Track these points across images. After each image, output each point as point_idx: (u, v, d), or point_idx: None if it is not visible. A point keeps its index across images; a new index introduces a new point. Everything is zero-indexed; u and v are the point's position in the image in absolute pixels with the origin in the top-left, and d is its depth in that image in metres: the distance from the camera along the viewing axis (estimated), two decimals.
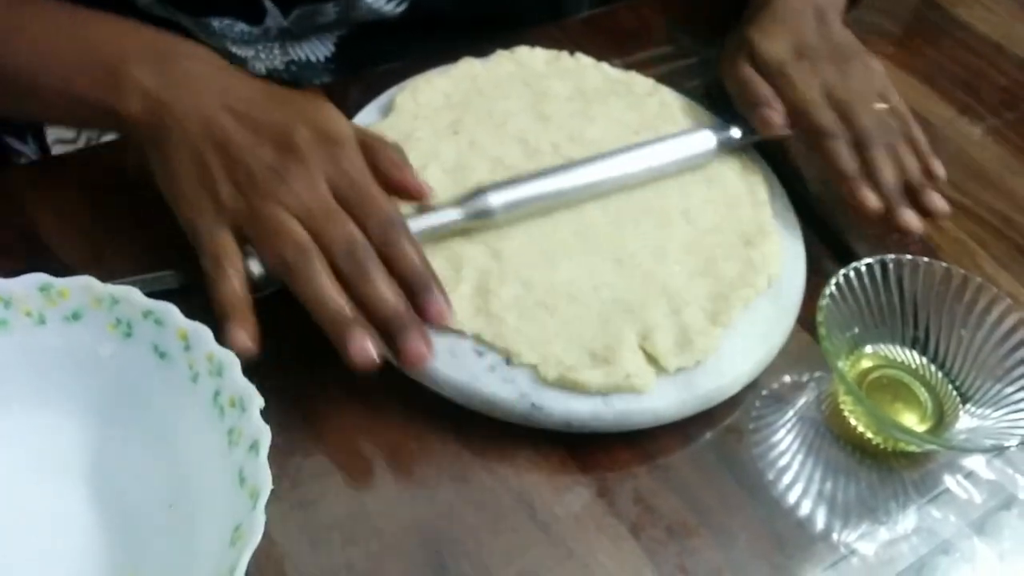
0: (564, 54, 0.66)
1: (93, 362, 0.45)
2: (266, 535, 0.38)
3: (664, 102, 0.64)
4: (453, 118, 0.59)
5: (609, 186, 0.57)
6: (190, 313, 0.44)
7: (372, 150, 0.51)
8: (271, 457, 0.40)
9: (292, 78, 0.71)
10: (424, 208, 0.52)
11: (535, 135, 0.59)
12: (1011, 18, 0.84)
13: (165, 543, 0.42)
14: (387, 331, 0.46)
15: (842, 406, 0.52)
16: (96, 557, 0.42)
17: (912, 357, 0.55)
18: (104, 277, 0.45)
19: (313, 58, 0.71)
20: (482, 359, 0.49)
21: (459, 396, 0.48)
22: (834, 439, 0.52)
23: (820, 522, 0.48)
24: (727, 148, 0.61)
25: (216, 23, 0.65)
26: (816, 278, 0.55)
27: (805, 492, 0.49)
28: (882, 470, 0.51)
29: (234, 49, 0.68)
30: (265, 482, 0.39)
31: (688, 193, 0.58)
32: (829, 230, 0.61)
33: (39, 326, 0.44)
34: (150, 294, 0.44)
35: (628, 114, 0.62)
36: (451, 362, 0.48)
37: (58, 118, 0.59)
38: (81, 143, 0.73)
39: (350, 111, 0.59)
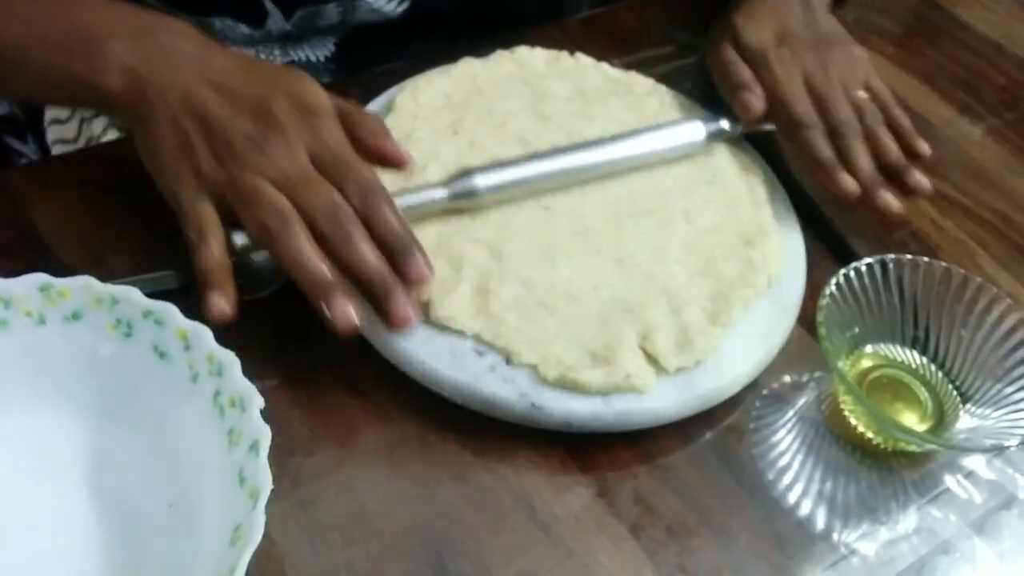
0: (564, 54, 0.66)
1: (93, 362, 0.45)
2: (266, 535, 0.38)
3: (664, 102, 0.64)
4: (453, 118, 0.59)
5: (595, 172, 0.58)
6: (190, 313, 0.44)
7: (351, 120, 0.52)
8: (271, 457, 0.40)
9: None
10: (410, 188, 0.53)
11: (535, 135, 0.59)
12: (1011, 18, 0.84)
13: (165, 543, 0.42)
14: (371, 295, 0.47)
15: (842, 406, 0.52)
16: (96, 557, 0.42)
17: (912, 357, 0.55)
18: (104, 277, 0.45)
19: (313, 58, 0.71)
20: (482, 359, 0.49)
21: (459, 396, 0.48)
22: (834, 439, 0.52)
23: (820, 522, 0.48)
24: (717, 138, 0.61)
25: (218, 23, 0.65)
26: (816, 278, 0.55)
27: (805, 492, 0.49)
28: (882, 470, 0.51)
29: (235, 49, 0.68)
30: (265, 482, 0.39)
31: (688, 193, 0.58)
32: (829, 230, 0.61)
33: (39, 326, 0.44)
34: (150, 294, 0.44)
35: (628, 114, 0.62)
36: (451, 362, 0.48)
37: (45, 96, 0.60)
38: (81, 143, 0.73)
39: None
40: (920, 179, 0.60)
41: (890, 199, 0.58)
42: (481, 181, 0.54)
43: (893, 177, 0.60)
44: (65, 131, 0.74)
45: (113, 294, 0.44)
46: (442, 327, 0.49)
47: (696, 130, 0.60)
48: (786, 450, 0.51)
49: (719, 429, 0.51)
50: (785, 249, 0.57)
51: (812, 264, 0.57)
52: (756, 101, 0.61)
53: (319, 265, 0.46)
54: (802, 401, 0.53)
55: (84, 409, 0.45)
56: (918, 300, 0.54)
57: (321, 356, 0.50)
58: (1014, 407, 0.50)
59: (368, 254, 0.47)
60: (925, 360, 0.55)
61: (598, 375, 0.48)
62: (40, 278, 0.44)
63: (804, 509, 0.49)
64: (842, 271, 0.52)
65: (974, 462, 0.52)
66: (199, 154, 0.48)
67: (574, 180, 0.57)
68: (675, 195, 0.58)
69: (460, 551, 0.45)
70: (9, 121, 0.78)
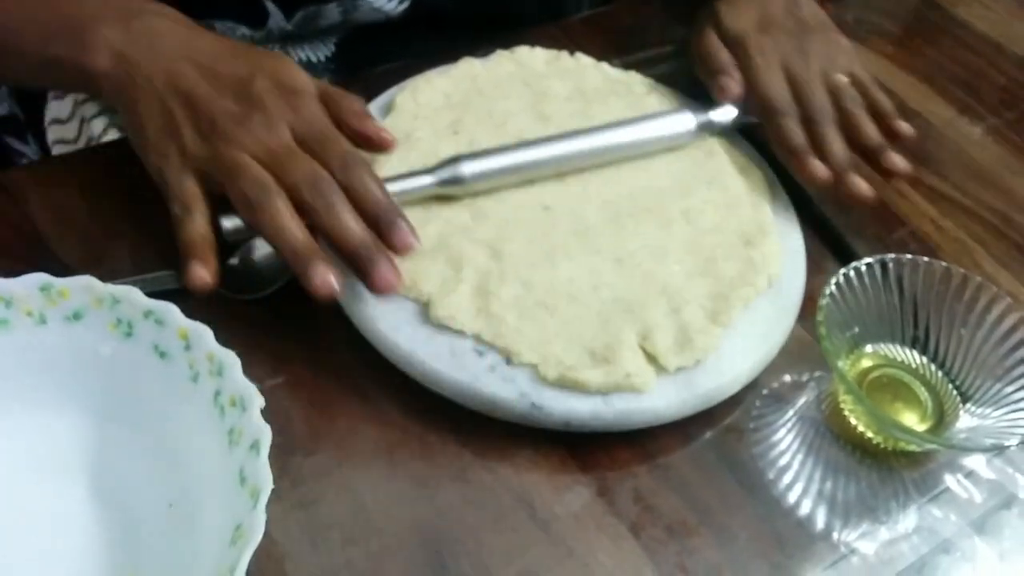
0: (564, 54, 0.66)
1: (94, 362, 0.45)
2: (266, 534, 0.38)
3: (664, 102, 0.64)
4: (453, 118, 0.59)
5: (584, 160, 0.58)
6: (190, 313, 0.44)
7: (333, 101, 0.53)
8: (272, 457, 0.40)
9: None
10: (397, 176, 0.53)
11: (535, 135, 0.59)
12: (1010, 17, 0.84)
13: (165, 543, 0.42)
14: (355, 262, 0.48)
15: (842, 405, 0.52)
16: (96, 557, 0.42)
17: (912, 356, 0.55)
18: (104, 277, 0.45)
19: (314, 58, 0.71)
20: (482, 359, 0.49)
21: (459, 396, 0.48)
22: (834, 439, 0.52)
23: (820, 521, 0.48)
24: (708, 130, 0.61)
25: (218, 25, 0.65)
26: (816, 278, 0.55)
27: (805, 491, 0.49)
28: (882, 469, 0.51)
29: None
30: (266, 481, 0.39)
31: (688, 193, 0.58)
32: (829, 230, 0.61)
33: (40, 326, 0.44)
34: (151, 294, 0.44)
35: (628, 114, 0.62)
36: (451, 362, 0.48)
37: (33, 79, 0.61)
38: (81, 143, 0.73)
39: None
40: (897, 160, 0.60)
41: (861, 184, 0.58)
42: (468, 168, 0.54)
43: (872, 160, 0.60)
44: (65, 131, 0.74)
45: (114, 294, 0.44)
46: (442, 327, 0.49)
47: (686, 120, 0.61)
48: (786, 450, 0.51)
49: (719, 428, 0.51)
50: (785, 249, 0.57)
51: (812, 264, 0.57)
52: (733, 85, 0.61)
53: (300, 233, 0.47)
54: (802, 401, 0.53)
55: (84, 409, 0.45)
56: (918, 300, 0.54)
57: (321, 356, 0.50)
58: (1014, 406, 0.50)
59: (351, 222, 0.48)
60: (925, 360, 0.55)
61: (598, 374, 0.48)
62: (41, 278, 0.44)
63: (804, 508, 0.49)
64: (842, 271, 0.52)
65: (974, 461, 0.52)
66: (184, 132, 0.49)
67: (564, 168, 0.57)
68: (675, 195, 0.58)
69: (460, 551, 0.45)
70: (9, 121, 0.78)
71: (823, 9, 0.67)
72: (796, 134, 0.59)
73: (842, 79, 0.62)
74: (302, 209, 0.48)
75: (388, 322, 0.49)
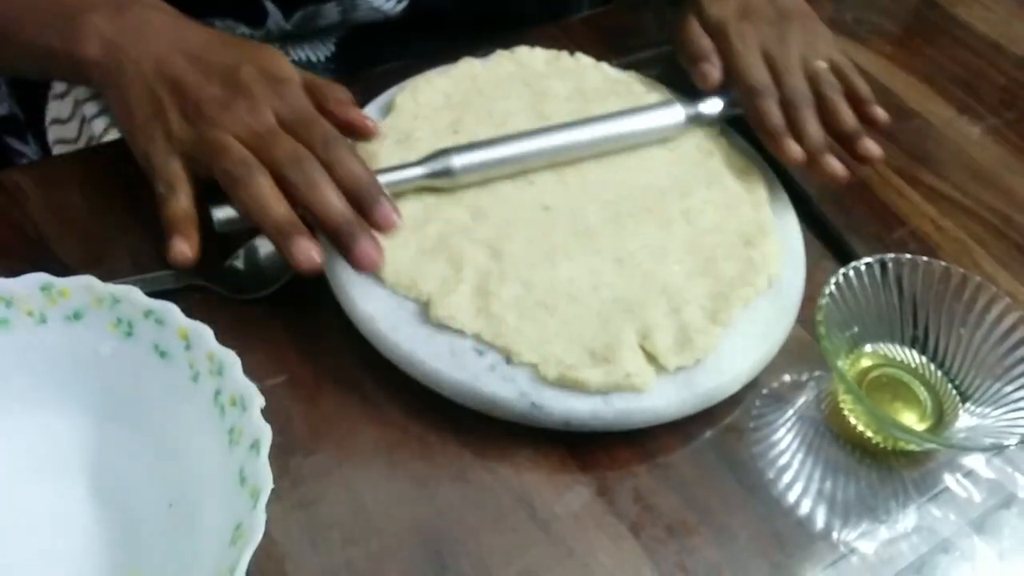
0: (564, 54, 0.66)
1: (94, 361, 0.45)
2: (266, 534, 0.38)
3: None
4: (453, 118, 0.59)
5: (574, 152, 0.58)
6: (190, 313, 0.44)
7: (318, 90, 0.54)
8: (272, 456, 0.40)
9: None
10: (388, 168, 0.54)
11: None
12: (1010, 16, 0.84)
13: (165, 543, 0.42)
14: (336, 237, 0.49)
15: (842, 405, 0.53)
16: (96, 557, 0.42)
17: (912, 356, 0.55)
18: (104, 277, 0.45)
19: (313, 58, 0.71)
20: (482, 359, 0.49)
21: (459, 396, 0.48)
22: (834, 438, 0.52)
23: (820, 521, 0.48)
24: (697, 121, 0.62)
25: (218, 24, 0.66)
26: (816, 278, 0.55)
27: (805, 491, 0.49)
28: (882, 469, 0.51)
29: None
30: (266, 481, 0.39)
31: (688, 193, 0.58)
32: (829, 230, 0.61)
33: (40, 325, 0.44)
34: (151, 294, 0.44)
35: None
36: (451, 362, 0.48)
37: (24, 67, 0.62)
38: (81, 143, 0.73)
39: None
40: (871, 146, 0.61)
41: (835, 165, 0.59)
42: (458, 160, 0.54)
43: (847, 145, 0.61)
44: (65, 131, 0.74)
45: (114, 293, 0.44)
46: (442, 327, 0.49)
47: (675, 112, 0.61)
48: (786, 449, 0.51)
49: (719, 428, 0.51)
50: (785, 249, 0.57)
51: (812, 264, 0.57)
52: (713, 71, 0.62)
53: (282, 208, 0.48)
54: (802, 400, 0.53)
55: (84, 409, 0.45)
56: (917, 299, 0.54)
57: (321, 356, 0.50)
58: (1013, 406, 0.50)
59: (333, 197, 0.49)
60: (924, 359, 0.55)
61: (598, 374, 0.48)
62: (41, 278, 0.44)
63: (804, 508, 0.49)
64: (842, 271, 0.52)
65: (974, 461, 0.52)
66: (170, 116, 0.50)
67: (555, 161, 0.58)
68: (675, 195, 0.58)
69: (460, 550, 0.45)
70: (9, 121, 0.79)
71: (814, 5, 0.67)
72: (775, 115, 0.60)
73: (821, 65, 0.63)
74: (285, 187, 0.49)
75: (388, 322, 0.49)
